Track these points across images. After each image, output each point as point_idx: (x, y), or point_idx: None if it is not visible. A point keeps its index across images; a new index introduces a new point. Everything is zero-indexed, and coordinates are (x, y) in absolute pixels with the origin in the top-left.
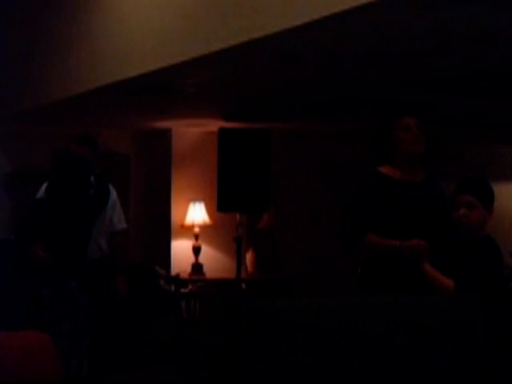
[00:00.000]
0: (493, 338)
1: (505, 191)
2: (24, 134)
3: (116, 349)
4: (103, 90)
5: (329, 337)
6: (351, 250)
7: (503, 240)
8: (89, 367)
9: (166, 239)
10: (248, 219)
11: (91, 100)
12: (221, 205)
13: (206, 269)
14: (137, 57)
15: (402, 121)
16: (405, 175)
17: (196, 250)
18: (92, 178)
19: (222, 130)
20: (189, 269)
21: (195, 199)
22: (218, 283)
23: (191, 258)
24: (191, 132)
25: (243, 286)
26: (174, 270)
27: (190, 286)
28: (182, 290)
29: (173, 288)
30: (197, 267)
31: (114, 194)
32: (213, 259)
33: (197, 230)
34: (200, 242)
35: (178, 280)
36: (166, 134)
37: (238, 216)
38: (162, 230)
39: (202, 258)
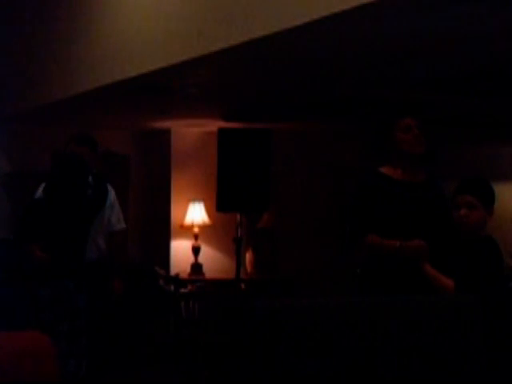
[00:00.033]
0: (493, 337)
1: (504, 191)
2: (24, 134)
3: (115, 349)
4: (103, 90)
5: (328, 337)
6: (352, 250)
7: (502, 240)
8: (87, 367)
9: (165, 239)
10: (247, 219)
11: (91, 100)
12: (220, 205)
13: (205, 269)
14: (136, 57)
15: (403, 121)
16: (405, 176)
17: (195, 250)
18: (90, 178)
19: (221, 130)
20: (188, 269)
21: (195, 199)
22: (218, 283)
23: (191, 258)
24: (191, 132)
25: (242, 286)
26: (173, 270)
27: (189, 286)
28: (182, 290)
29: (172, 288)
30: (196, 267)
31: (112, 194)
32: (212, 259)
33: (196, 230)
34: (199, 242)
35: (177, 280)
36: (165, 134)
37: (237, 216)
38: (161, 230)
39: (201, 258)
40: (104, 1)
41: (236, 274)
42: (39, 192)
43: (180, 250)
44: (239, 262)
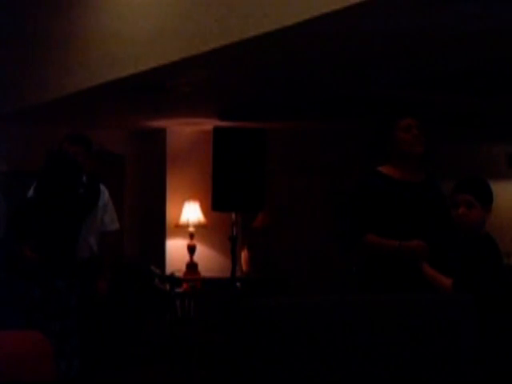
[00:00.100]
0: (491, 337)
1: (501, 190)
2: (20, 133)
3: (109, 348)
4: (98, 90)
5: (323, 336)
6: (348, 249)
7: (498, 239)
8: (80, 367)
9: (160, 238)
10: (243, 218)
11: (86, 100)
12: (215, 204)
13: (200, 268)
14: (131, 56)
15: (403, 121)
16: (405, 175)
17: (191, 249)
18: (84, 178)
19: (216, 129)
20: (184, 268)
21: (190, 198)
22: (213, 282)
23: (186, 257)
24: (186, 131)
25: (238, 284)
26: (168, 269)
27: (184, 285)
28: (177, 289)
29: (168, 287)
30: (192, 266)
31: (106, 194)
32: (208, 258)
33: (192, 229)
34: (195, 241)
35: (172, 279)
36: (160, 134)
37: (232, 215)
38: (156, 229)
39: (196, 257)
40: (99, 2)
41: (231, 273)
42: (31, 191)
43: (175, 249)
44: (234, 261)
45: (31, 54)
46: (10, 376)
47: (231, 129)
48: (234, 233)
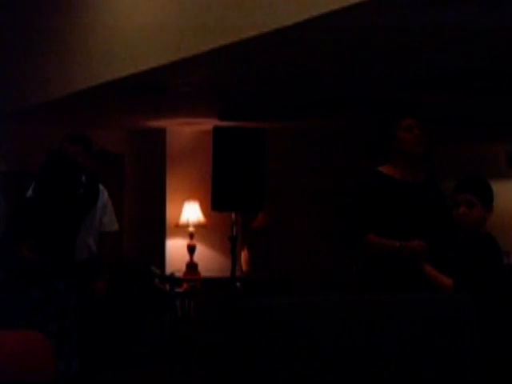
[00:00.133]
0: (491, 336)
1: (501, 190)
2: (19, 133)
3: (109, 348)
4: (98, 90)
5: (323, 336)
6: (352, 249)
7: (499, 238)
8: (79, 367)
9: (160, 238)
10: (243, 218)
11: (86, 99)
12: (215, 204)
13: (200, 268)
14: (131, 56)
15: (404, 121)
16: (405, 175)
17: (191, 249)
18: (84, 178)
19: (216, 129)
20: (183, 268)
21: (190, 198)
22: (213, 282)
23: (186, 257)
24: (185, 131)
25: (238, 284)
26: (168, 269)
27: (184, 285)
28: (177, 289)
29: (167, 287)
30: (191, 266)
31: (105, 194)
32: (207, 258)
33: (191, 229)
34: (195, 241)
35: (172, 279)
36: (160, 133)
37: (232, 215)
38: (156, 229)
39: (196, 257)
40: (99, 2)
41: (231, 273)
42: (30, 191)
43: (175, 249)
44: (234, 260)
45: (31, 54)
46: (9, 376)
47: (231, 129)
48: (234, 233)
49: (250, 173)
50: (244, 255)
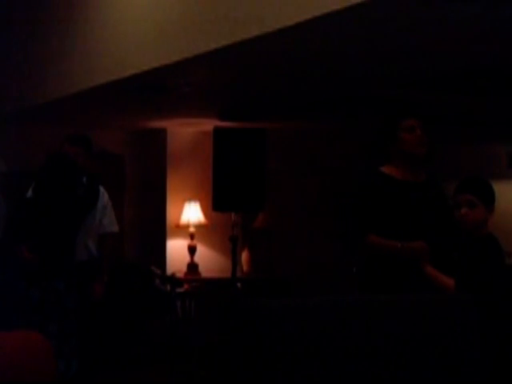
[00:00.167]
0: (492, 337)
1: (502, 190)
2: (20, 133)
3: (110, 349)
4: (98, 90)
5: (324, 336)
6: (354, 249)
7: (501, 239)
8: (79, 367)
9: (161, 239)
10: (243, 219)
11: (86, 100)
12: (216, 204)
13: (201, 268)
14: (131, 57)
15: (406, 122)
16: (406, 175)
17: (191, 250)
18: (84, 179)
19: (216, 130)
20: (184, 268)
21: (190, 199)
22: (214, 283)
23: (186, 258)
24: (186, 131)
25: (238, 285)
26: (169, 270)
27: (185, 286)
28: (178, 290)
29: (168, 287)
30: (192, 267)
31: (105, 196)
32: (208, 259)
33: (192, 229)
34: (195, 241)
35: (173, 279)
36: (160, 134)
37: (233, 215)
38: (157, 229)
39: (197, 258)
40: (99, 2)
41: (232, 274)
42: (30, 192)
43: (176, 249)
44: (235, 261)
45: (31, 55)
46: (9, 376)
47: (231, 129)
48: (235, 233)
49: (250, 173)
50: (244, 256)
